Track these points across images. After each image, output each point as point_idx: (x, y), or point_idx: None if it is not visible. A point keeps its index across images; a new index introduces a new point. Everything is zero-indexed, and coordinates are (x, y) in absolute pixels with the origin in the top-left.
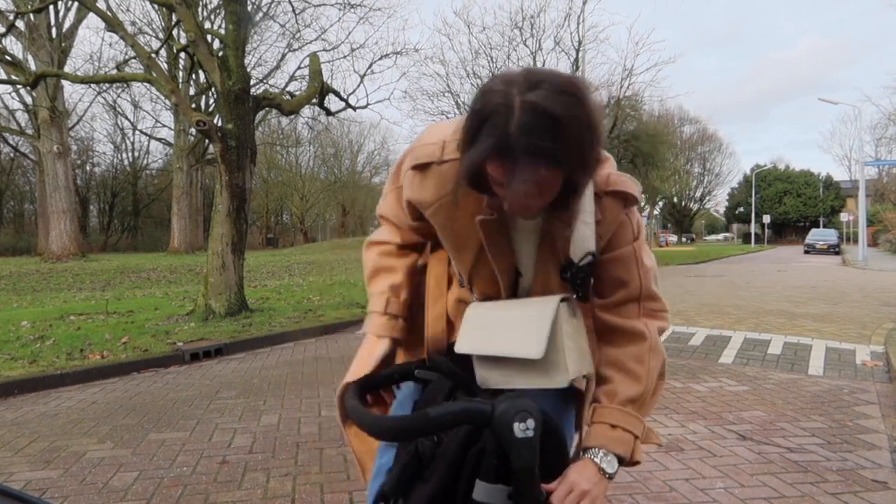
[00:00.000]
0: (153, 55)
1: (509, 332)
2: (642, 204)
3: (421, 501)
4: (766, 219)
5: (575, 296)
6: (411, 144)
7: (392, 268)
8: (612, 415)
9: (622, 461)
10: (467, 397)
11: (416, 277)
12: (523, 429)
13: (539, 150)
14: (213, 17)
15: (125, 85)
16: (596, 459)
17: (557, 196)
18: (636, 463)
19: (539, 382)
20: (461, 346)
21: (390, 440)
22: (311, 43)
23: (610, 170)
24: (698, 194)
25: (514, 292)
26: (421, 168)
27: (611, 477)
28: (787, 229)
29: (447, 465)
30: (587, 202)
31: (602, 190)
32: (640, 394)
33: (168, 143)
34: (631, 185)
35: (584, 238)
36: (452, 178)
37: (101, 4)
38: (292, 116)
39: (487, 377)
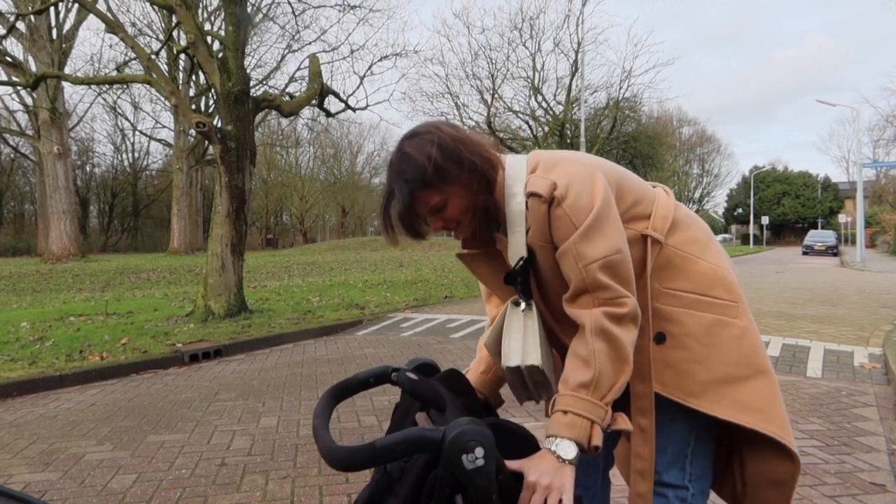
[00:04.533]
0: (153, 56)
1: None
2: (556, 193)
3: None
4: (765, 220)
5: (522, 297)
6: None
7: None
8: (564, 400)
9: (581, 446)
10: (436, 413)
11: None
12: (472, 459)
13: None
14: (212, 18)
15: (125, 86)
16: (552, 448)
17: (478, 220)
18: (596, 448)
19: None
20: None
21: (340, 470)
22: (310, 44)
23: (539, 173)
24: (697, 195)
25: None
26: None
27: (571, 462)
28: (785, 230)
29: (410, 487)
30: (517, 215)
31: (526, 195)
32: (591, 377)
33: (168, 144)
34: (539, 182)
35: (517, 245)
36: None
37: (101, 6)
38: (292, 118)
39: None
